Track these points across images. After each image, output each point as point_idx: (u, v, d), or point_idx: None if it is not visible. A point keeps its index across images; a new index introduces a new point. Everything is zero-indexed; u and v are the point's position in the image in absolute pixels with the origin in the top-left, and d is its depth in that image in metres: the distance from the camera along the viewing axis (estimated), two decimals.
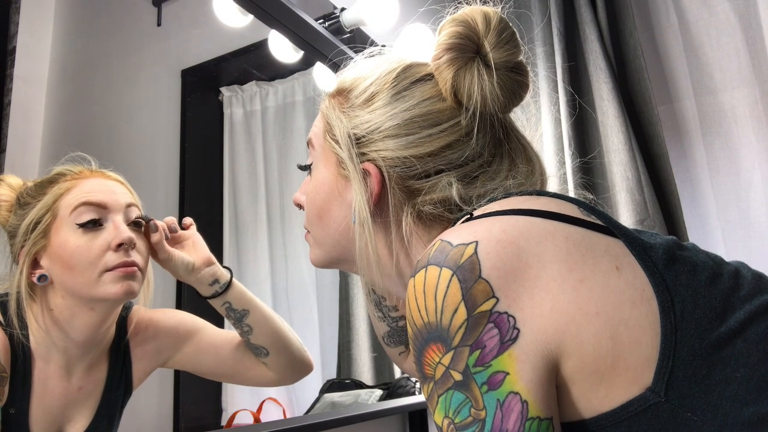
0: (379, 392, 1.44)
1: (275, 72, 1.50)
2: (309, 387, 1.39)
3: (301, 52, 1.31)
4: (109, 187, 0.75)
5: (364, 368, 1.54)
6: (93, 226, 0.72)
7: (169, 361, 0.87)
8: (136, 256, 0.74)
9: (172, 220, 0.86)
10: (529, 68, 0.61)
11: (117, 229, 0.73)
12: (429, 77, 0.62)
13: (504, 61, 0.58)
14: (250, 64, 1.46)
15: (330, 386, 1.43)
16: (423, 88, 0.61)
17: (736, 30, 1.88)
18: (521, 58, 0.60)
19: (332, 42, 1.32)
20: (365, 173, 0.60)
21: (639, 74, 1.84)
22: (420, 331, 0.47)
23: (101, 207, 0.73)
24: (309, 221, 0.67)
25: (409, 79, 0.62)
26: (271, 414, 1.22)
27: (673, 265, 0.48)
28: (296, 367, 0.93)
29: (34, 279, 0.70)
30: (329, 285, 1.54)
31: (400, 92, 0.61)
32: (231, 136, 1.36)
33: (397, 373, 1.63)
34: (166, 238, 0.82)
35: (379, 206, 0.60)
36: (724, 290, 0.47)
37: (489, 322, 0.45)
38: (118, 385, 0.80)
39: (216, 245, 1.26)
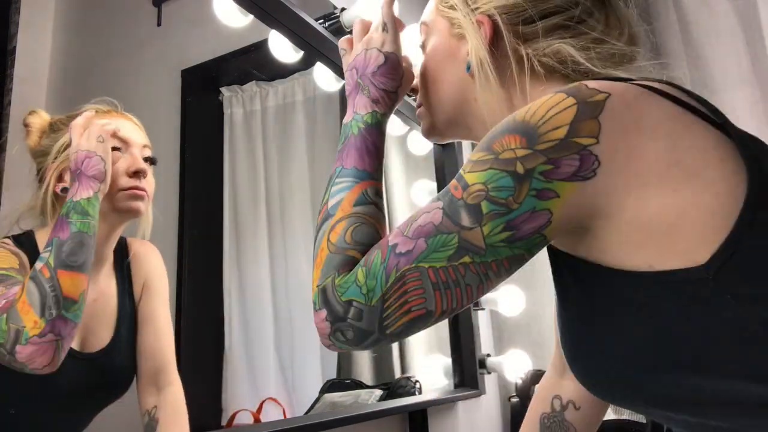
0: (379, 392, 1.44)
1: (275, 72, 1.50)
2: (309, 387, 1.39)
3: (301, 52, 1.31)
4: (133, 128, 0.88)
5: (364, 368, 1.53)
6: (113, 151, 0.82)
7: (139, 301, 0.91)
8: (145, 184, 0.86)
9: None
10: None
11: (135, 159, 0.85)
12: None
13: None
14: (250, 64, 1.45)
15: (330, 386, 1.43)
16: None
17: (736, 30, 1.88)
18: None
19: (332, 42, 1.32)
20: (479, 24, 0.64)
21: None
22: (508, 123, 0.50)
23: (125, 142, 0.85)
24: (423, 91, 0.72)
25: None
26: (271, 414, 1.22)
27: None
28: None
29: (58, 190, 0.80)
30: None
31: None
32: (231, 136, 1.36)
33: (397, 373, 1.63)
34: None
35: (493, 55, 0.63)
36: None
37: (577, 153, 0.47)
38: (129, 298, 0.88)
39: (216, 245, 1.26)
